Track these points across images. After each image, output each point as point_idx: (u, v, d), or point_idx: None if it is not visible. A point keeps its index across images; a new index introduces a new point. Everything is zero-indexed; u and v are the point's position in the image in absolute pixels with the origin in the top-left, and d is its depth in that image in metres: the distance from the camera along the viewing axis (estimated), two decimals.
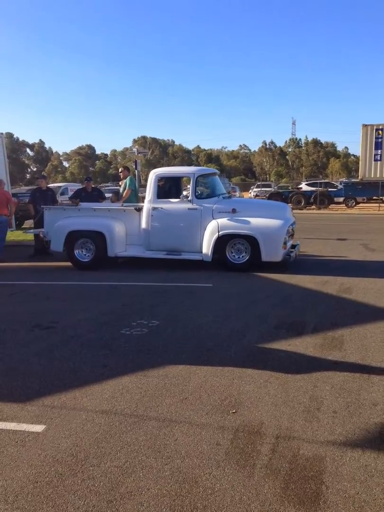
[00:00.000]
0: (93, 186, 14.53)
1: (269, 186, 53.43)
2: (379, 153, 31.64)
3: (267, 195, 38.39)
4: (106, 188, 36.03)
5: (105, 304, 8.20)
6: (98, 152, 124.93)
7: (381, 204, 33.46)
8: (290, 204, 27.22)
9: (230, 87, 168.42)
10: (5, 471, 3.61)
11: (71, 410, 4.52)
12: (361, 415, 4.33)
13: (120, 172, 14.25)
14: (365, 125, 31.99)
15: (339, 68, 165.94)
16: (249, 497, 3.26)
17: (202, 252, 11.06)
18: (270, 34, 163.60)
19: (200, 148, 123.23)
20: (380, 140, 31.53)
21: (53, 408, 4.57)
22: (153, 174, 11.72)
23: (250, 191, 51.60)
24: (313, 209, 34.71)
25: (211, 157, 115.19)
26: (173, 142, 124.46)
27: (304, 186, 39.25)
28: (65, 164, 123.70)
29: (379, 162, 31.77)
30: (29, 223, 19.04)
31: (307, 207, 35.16)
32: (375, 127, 31.73)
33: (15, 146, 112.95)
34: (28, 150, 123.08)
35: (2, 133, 16.53)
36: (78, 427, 4.20)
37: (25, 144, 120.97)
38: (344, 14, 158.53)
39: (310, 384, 4.98)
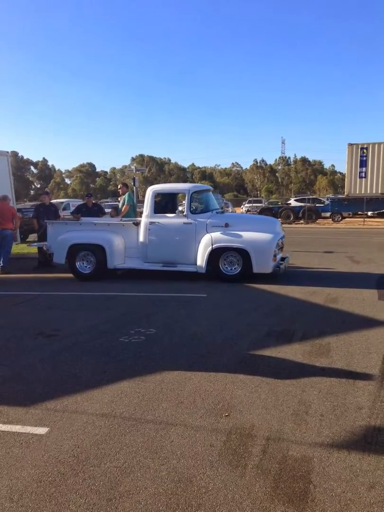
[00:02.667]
0: (93, 201, 14.55)
1: (260, 201, 53.56)
2: (363, 170, 31.83)
3: (258, 210, 38.48)
4: (106, 203, 36.05)
5: (105, 313, 8.20)
6: (98, 169, 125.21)
7: (365, 219, 33.60)
8: (279, 219, 27.29)
9: (223, 108, 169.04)
10: (10, 471, 3.61)
11: (73, 413, 4.52)
12: (347, 418, 4.35)
13: (119, 189, 14.28)
14: (350, 144, 32.21)
15: (326, 91, 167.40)
16: (241, 496, 3.27)
17: (196, 264, 11.08)
18: (261, 58, 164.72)
19: (194, 166, 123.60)
20: (364, 158, 31.73)
21: (55, 411, 4.57)
22: (150, 191, 11.76)
23: (242, 206, 51.68)
24: (301, 223, 34.78)
25: (205, 174, 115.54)
26: (169, 160, 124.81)
27: (293, 202, 39.35)
28: (67, 181, 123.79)
29: (363, 179, 31.95)
30: (33, 236, 19.03)
31: (296, 222, 35.24)
32: (360, 146, 31.95)
33: (20, 164, 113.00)
34: (32, 167, 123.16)
35: (7, 152, 16.56)
36: (79, 430, 4.20)
37: (29, 162, 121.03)
38: (330, 39, 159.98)
39: (299, 389, 4.99)
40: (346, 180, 33.62)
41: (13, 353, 6.25)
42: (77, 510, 3.16)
